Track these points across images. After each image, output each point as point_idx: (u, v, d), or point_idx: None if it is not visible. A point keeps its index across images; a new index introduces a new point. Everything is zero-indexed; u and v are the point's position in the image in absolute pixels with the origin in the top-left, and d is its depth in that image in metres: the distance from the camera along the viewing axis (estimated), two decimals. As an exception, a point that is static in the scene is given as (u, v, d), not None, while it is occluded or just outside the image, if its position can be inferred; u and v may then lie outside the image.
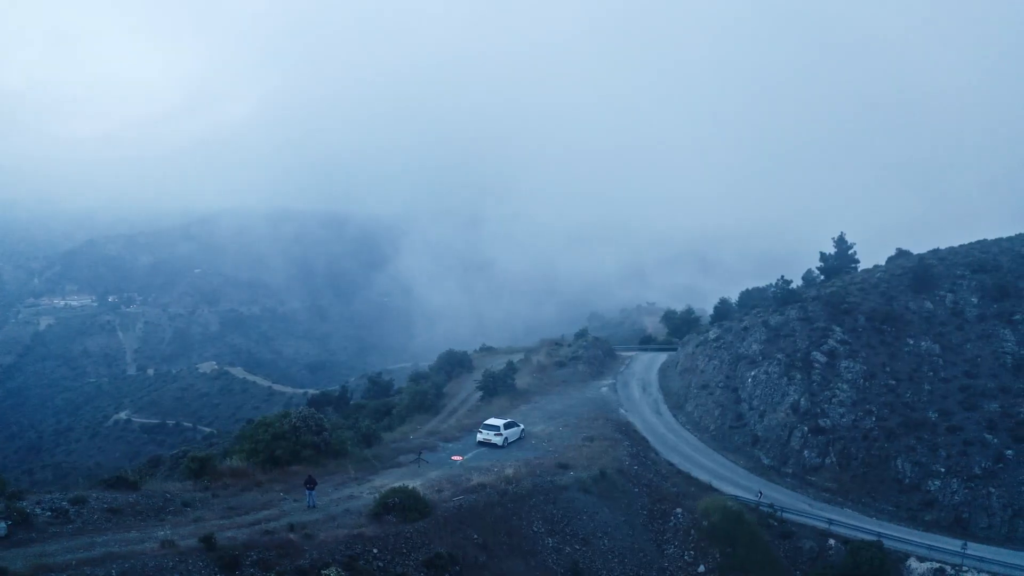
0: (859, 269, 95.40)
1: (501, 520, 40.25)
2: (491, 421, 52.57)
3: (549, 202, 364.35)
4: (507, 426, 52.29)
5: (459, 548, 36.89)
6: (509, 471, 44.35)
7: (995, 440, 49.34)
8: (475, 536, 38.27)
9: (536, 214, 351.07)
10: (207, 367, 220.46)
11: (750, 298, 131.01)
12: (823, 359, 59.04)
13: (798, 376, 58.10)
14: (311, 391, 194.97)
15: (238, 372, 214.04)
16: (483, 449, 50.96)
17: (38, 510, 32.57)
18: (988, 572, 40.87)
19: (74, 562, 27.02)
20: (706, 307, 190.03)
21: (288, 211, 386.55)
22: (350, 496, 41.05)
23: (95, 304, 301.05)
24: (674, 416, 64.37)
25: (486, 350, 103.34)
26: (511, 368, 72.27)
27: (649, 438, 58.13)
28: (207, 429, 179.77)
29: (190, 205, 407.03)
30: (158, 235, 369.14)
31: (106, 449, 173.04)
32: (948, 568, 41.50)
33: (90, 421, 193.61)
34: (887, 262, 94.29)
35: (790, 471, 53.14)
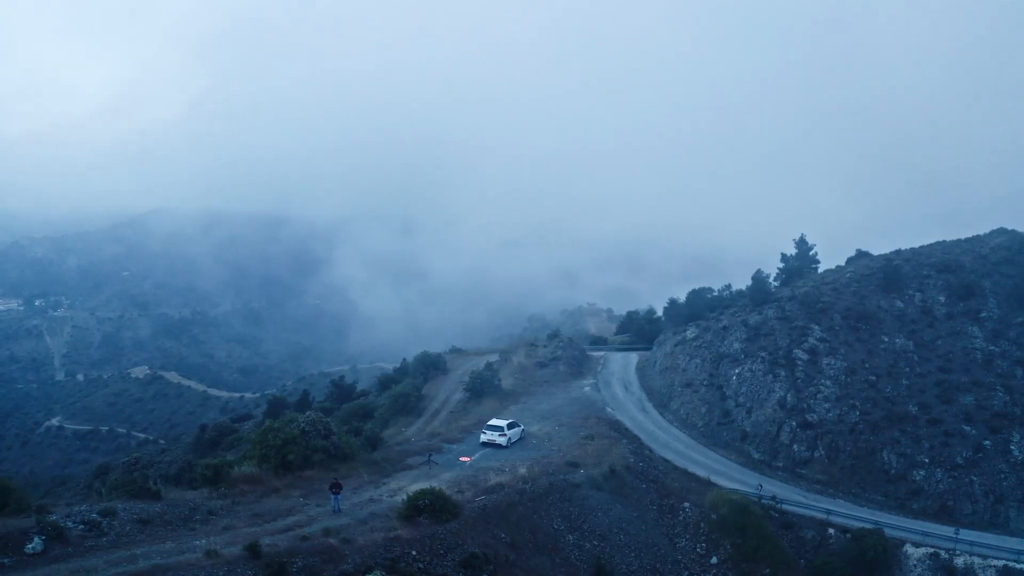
0: (818, 270, 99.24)
1: (524, 519, 40.74)
2: (494, 422, 52.90)
3: (485, 205, 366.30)
4: (510, 426, 52.73)
5: (490, 547, 37.20)
6: (523, 470, 44.82)
7: (973, 431, 52.16)
8: (503, 535, 38.64)
9: (471, 217, 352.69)
10: (139, 372, 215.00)
11: (699, 299, 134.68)
12: (805, 356, 61.32)
13: (782, 373, 60.22)
14: (247, 395, 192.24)
15: (172, 377, 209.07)
16: (488, 450, 51.26)
17: (69, 523, 31.64)
18: (979, 555, 43.29)
19: (121, 576, 26.49)
20: (638, 307, 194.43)
21: (220, 213, 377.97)
22: (370, 499, 40.91)
23: (21, 308, 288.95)
24: (660, 414, 65.84)
25: (455, 352, 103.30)
26: (493, 369, 72.63)
27: (641, 436, 59.25)
28: (142, 435, 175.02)
29: (119, 207, 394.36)
30: (86, 237, 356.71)
31: (39, 457, 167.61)
32: (942, 553, 43.75)
33: (20, 429, 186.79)
34: (847, 262, 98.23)
35: (781, 465, 55.06)
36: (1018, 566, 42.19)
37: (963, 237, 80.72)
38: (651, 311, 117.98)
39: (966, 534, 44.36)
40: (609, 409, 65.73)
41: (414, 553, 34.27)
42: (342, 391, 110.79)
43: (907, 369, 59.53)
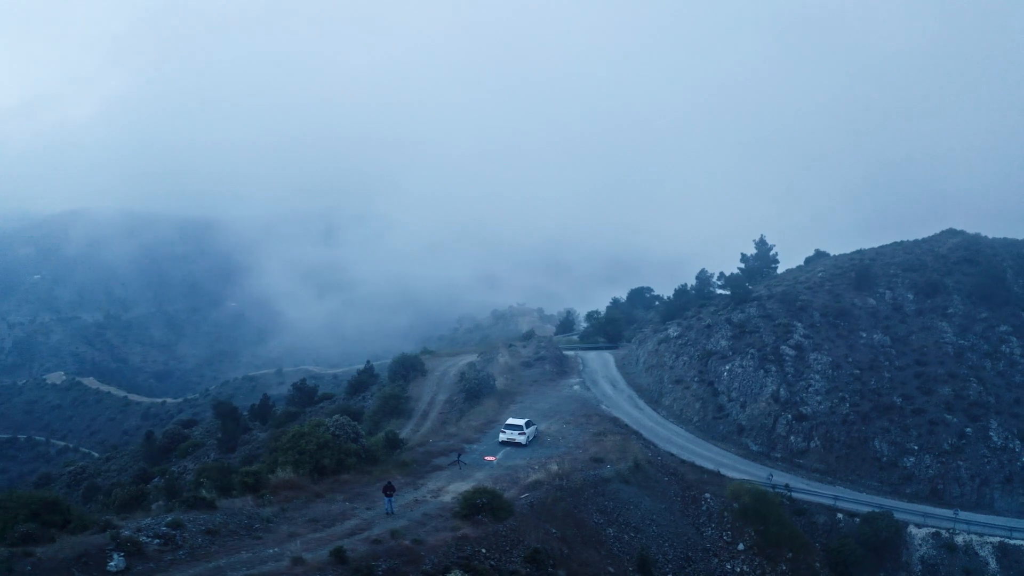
0: (777, 270, 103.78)
1: (568, 514, 42.00)
2: (512, 421, 53.95)
3: (408, 208, 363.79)
4: (527, 425, 53.86)
5: (545, 542, 38.33)
6: (554, 467, 46.06)
7: (955, 420, 56.11)
8: (553, 530, 39.84)
9: (395, 220, 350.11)
10: (55, 377, 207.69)
11: (641, 298, 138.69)
12: (792, 352, 64.52)
13: (773, 368, 63.23)
14: (168, 400, 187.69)
15: (90, 382, 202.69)
16: (508, 448, 52.27)
17: (144, 538, 31.28)
18: (975, 534, 46.87)
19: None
20: (558, 307, 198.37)
21: (135, 214, 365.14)
22: (415, 501, 41.48)
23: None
24: (654, 410, 68.06)
25: (428, 353, 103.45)
26: (488, 371, 73.54)
27: (642, 432, 61.29)
28: (61, 443, 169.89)
29: (30, 208, 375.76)
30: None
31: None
32: (943, 532, 47.15)
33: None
34: (807, 262, 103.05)
35: (779, 456, 57.92)
36: (1011, 542, 45.88)
37: (911, 239, 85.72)
38: (614, 310, 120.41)
39: (963, 515, 47.81)
40: (604, 406, 67.51)
41: (483, 551, 35.13)
42: (304, 394, 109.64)
43: (887, 363, 63.35)
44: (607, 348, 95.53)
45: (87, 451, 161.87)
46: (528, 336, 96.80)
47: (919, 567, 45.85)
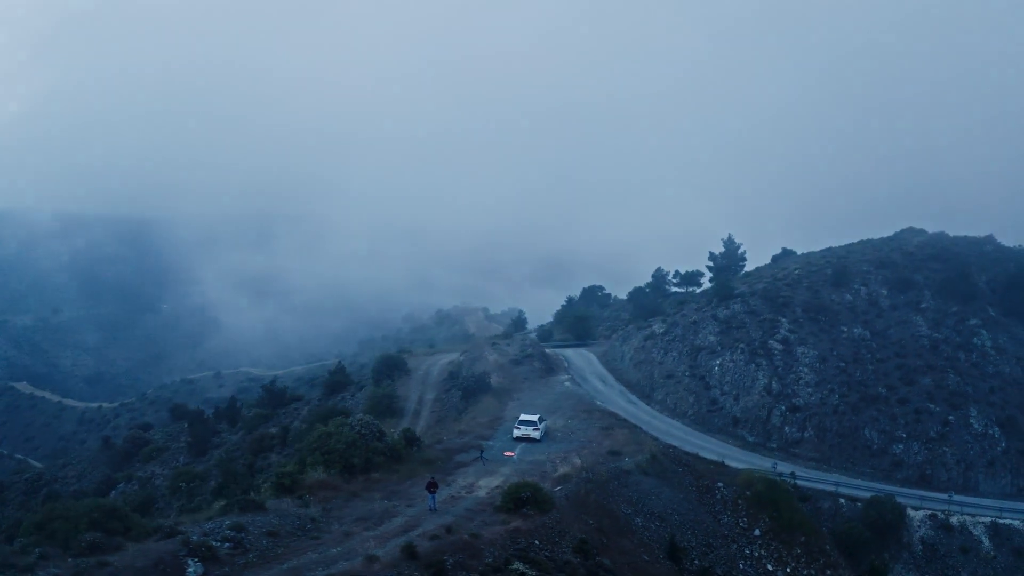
0: (744, 268, 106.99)
1: (599, 505, 43.30)
2: (526, 417, 54.95)
3: (344, 208, 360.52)
4: (540, 421, 54.97)
5: (585, 533, 39.59)
6: (578, 461, 47.33)
7: (937, 408, 59.48)
8: (590, 521, 41.07)
9: (330, 221, 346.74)
10: None
11: (594, 297, 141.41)
12: (780, 347, 67.22)
13: (763, 362, 65.82)
14: (104, 404, 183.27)
15: (23, 387, 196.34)
16: (523, 444, 53.25)
17: (214, 542, 31.32)
18: (968, 515, 50.00)
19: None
20: (498, 307, 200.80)
21: (67, 216, 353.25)
22: (452, 497, 42.09)
23: None
24: (648, 405, 69.95)
25: (406, 352, 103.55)
26: (483, 370, 74.36)
27: (640, 426, 63.01)
28: None
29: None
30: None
31: None
32: (939, 514, 50.16)
33: None
34: (773, 260, 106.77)
35: (775, 446, 60.42)
36: (1002, 521, 49.18)
37: (881, 236, 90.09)
38: (586, 309, 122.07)
39: (956, 498, 50.92)
40: (599, 402, 69.04)
41: (537, 543, 36.13)
42: (274, 396, 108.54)
43: (868, 355, 66.59)
44: (579, 346, 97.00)
45: (22, 457, 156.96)
46: (506, 335, 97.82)
47: (919, 547, 48.67)
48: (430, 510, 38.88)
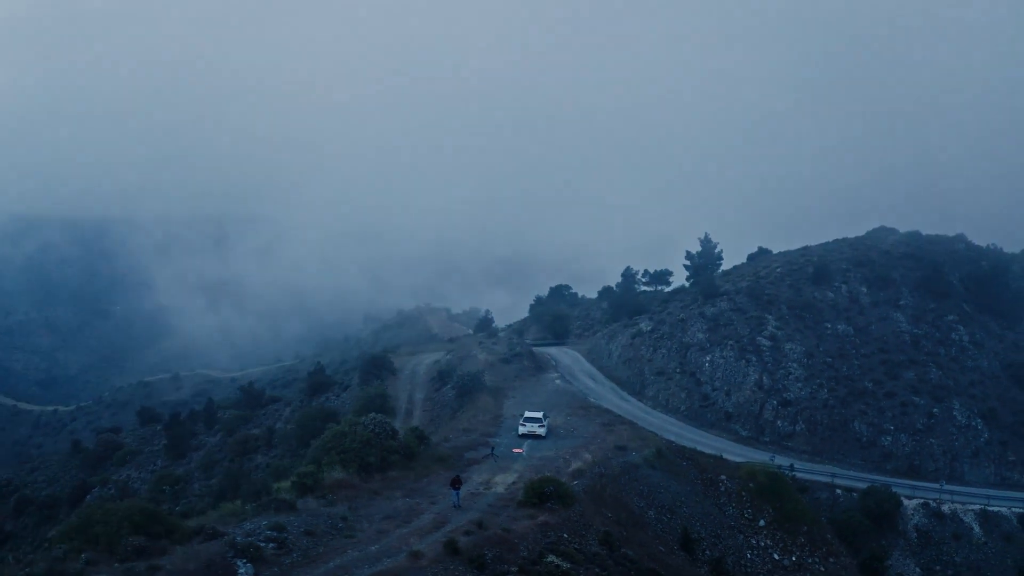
0: (721, 267, 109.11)
1: (615, 498, 44.28)
2: (531, 414, 55.66)
3: (300, 210, 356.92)
4: (544, 417, 55.74)
5: (607, 525, 40.52)
6: (588, 456, 48.27)
7: (922, 401, 61.77)
8: (609, 514, 42.01)
9: (285, 222, 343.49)
10: None
11: (561, 296, 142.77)
12: (768, 343, 69.01)
13: (753, 359, 67.51)
14: (60, 408, 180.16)
15: None
16: (530, 440, 53.94)
17: (260, 543, 31.35)
18: (959, 503, 52.13)
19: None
20: (452, 307, 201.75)
21: (19, 216, 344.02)
22: (472, 494, 42.53)
23: None
24: (640, 401, 71.14)
25: (390, 352, 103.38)
26: (472, 368, 74.85)
27: (636, 422, 64.20)
28: None
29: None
30: None
31: None
32: (931, 503, 52.18)
33: None
34: (749, 259, 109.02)
35: (768, 439, 62.06)
36: (991, 509, 51.38)
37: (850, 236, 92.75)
38: (561, 308, 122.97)
39: (946, 487, 53.05)
40: (592, 399, 70.06)
41: (565, 536, 36.86)
42: (252, 397, 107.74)
43: (853, 351, 68.76)
44: (558, 344, 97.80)
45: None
46: (492, 334, 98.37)
47: (914, 534, 50.62)
48: (454, 506, 39.29)
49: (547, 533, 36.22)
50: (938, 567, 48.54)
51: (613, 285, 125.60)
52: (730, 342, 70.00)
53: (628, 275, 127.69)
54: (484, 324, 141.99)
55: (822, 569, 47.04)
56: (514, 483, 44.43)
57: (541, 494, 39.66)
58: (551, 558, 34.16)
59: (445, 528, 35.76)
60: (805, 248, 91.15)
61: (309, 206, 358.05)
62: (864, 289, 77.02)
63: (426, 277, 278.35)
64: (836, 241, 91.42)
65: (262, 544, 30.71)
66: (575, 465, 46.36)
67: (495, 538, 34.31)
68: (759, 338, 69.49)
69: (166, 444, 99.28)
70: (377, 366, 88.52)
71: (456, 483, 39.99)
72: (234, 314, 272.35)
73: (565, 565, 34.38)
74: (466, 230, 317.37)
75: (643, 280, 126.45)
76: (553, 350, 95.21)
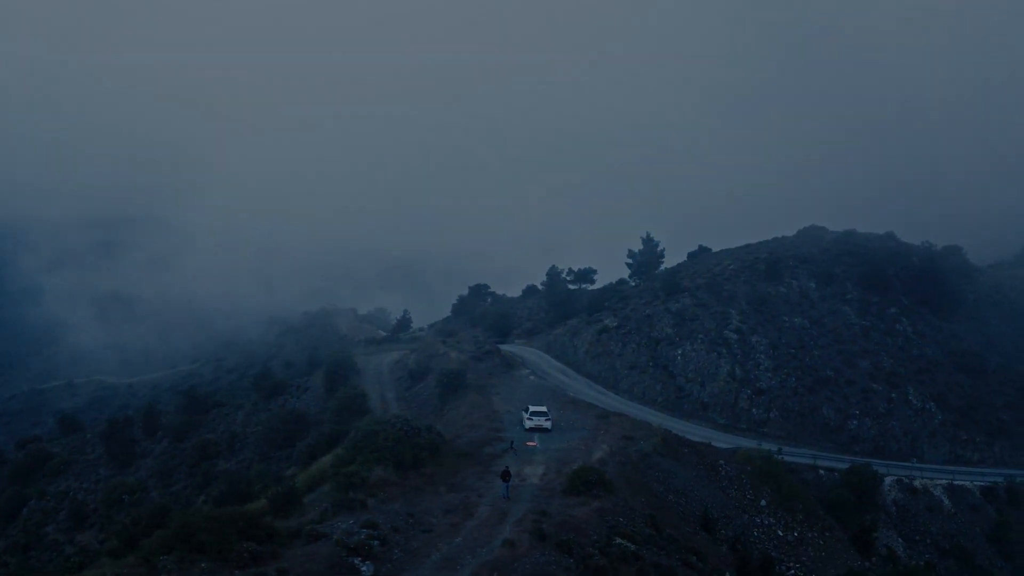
0: (663, 265, 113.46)
1: (641, 485, 46.58)
2: (536, 408, 57.26)
3: (197, 214, 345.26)
4: (548, 411, 57.45)
5: (647, 509, 42.78)
6: (606, 446, 50.42)
7: (879, 387, 67.13)
8: (643, 499, 44.27)
9: (176, 227, 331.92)
10: None
11: (481, 296, 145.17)
12: (735, 336, 73.10)
13: (723, 351, 71.39)
14: None
15: None
16: (538, 434, 55.53)
17: (369, 541, 31.79)
18: (928, 479, 57.30)
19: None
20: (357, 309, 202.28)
21: None
22: (509, 487, 43.97)
23: None
24: (616, 394, 73.76)
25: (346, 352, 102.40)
26: (460, 368, 75.59)
27: (625, 413, 66.73)
28: None
29: None
30: None
31: None
32: (904, 478, 57.11)
33: None
34: (689, 257, 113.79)
35: (744, 427, 65.90)
36: (956, 483, 56.74)
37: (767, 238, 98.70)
38: (504, 309, 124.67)
39: (917, 465, 58.16)
40: (571, 393, 72.18)
41: (621, 520, 38.87)
42: (196, 402, 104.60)
43: (812, 343, 73.75)
44: (503, 343, 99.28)
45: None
46: (451, 333, 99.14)
47: (893, 508, 55.29)
48: (504, 498, 40.57)
49: (605, 518, 38.06)
50: (917, 537, 53.27)
51: (539, 284, 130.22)
52: (699, 336, 73.68)
53: (553, 274, 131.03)
54: (403, 324, 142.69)
55: (821, 543, 50.78)
56: (545, 474, 46.03)
57: (586, 482, 41.47)
58: (618, 540, 36.05)
59: (511, 519, 37.06)
60: (747, 246, 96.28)
61: (204, 211, 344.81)
62: (812, 284, 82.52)
63: (321, 282, 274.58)
64: (773, 239, 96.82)
65: (372, 543, 31.13)
66: (597, 455, 48.33)
67: (565, 524, 35.96)
68: (726, 331, 73.48)
69: (106, 452, 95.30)
70: (343, 367, 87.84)
71: (506, 476, 41.30)
72: (124, 320, 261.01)
73: (632, 547, 36.33)
74: (360, 234, 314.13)
75: (568, 279, 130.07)
76: (510, 348, 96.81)
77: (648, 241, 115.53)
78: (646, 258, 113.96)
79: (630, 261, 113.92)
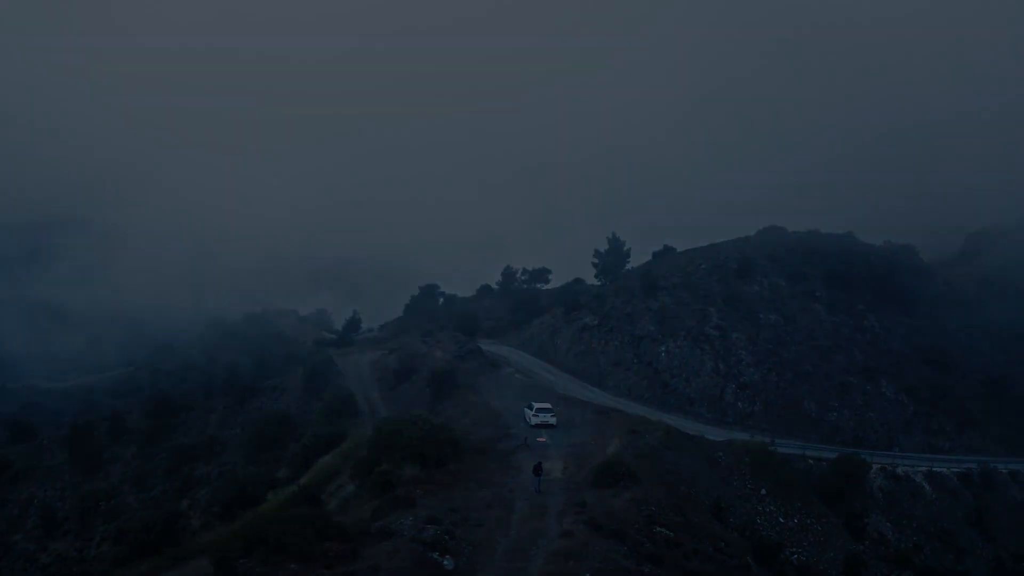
0: (629, 265, 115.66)
1: (657, 476, 48.21)
2: (541, 404, 58.40)
3: (127, 215, 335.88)
4: (553, 407, 58.68)
5: (668, 498, 44.42)
6: (616, 441, 51.93)
7: (856, 381, 70.55)
8: (662, 490, 45.92)
9: (107, 228, 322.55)
10: None
11: (431, 296, 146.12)
12: (716, 333, 75.67)
13: (707, 347, 73.85)
14: None
15: None
16: (545, 430, 56.66)
17: (444, 537, 32.32)
18: (908, 466, 60.69)
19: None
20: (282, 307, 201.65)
21: None
22: (540, 481, 45.06)
23: None
24: (603, 391, 75.40)
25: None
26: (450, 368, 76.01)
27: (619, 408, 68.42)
28: None
29: None
30: None
31: None
32: (887, 466, 60.34)
33: None
34: (654, 256, 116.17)
35: (731, 420, 68.40)
36: (935, 469, 60.25)
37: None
38: (473, 309, 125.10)
39: (898, 453, 61.49)
40: (559, 390, 73.53)
41: (654, 508, 40.39)
42: (164, 407, 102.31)
43: (788, 338, 76.88)
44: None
45: None
46: (431, 332, 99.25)
47: (879, 494, 58.35)
48: (536, 492, 41.62)
49: (640, 508, 39.42)
50: (904, 521, 56.42)
51: (494, 284, 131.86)
52: (682, 333, 76.02)
53: (508, 273, 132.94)
54: (352, 324, 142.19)
55: (819, 528, 53.40)
56: (566, 468, 47.28)
57: (614, 475, 42.85)
58: (658, 529, 37.55)
59: (552, 511, 38.18)
60: (712, 245, 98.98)
61: (132, 213, 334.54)
62: (783, 282, 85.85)
63: (253, 284, 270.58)
64: (736, 240, 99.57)
65: (445, 538, 31.70)
66: (612, 449, 49.77)
67: (607, 514, 37.22)
68: (707, 328, 76.00)
69: (70, 458, 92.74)
70: (325, 368, 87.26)
71: (538, 470, 42.29)
72: (53, 323, 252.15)
73: (671, 534, 37.93)
74: (289, 237, 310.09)
75: (523, 279, 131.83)
76: (484, 347, 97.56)
77: (614, 241, 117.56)
78: (613, 258, 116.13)
79: (596, 261, 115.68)
